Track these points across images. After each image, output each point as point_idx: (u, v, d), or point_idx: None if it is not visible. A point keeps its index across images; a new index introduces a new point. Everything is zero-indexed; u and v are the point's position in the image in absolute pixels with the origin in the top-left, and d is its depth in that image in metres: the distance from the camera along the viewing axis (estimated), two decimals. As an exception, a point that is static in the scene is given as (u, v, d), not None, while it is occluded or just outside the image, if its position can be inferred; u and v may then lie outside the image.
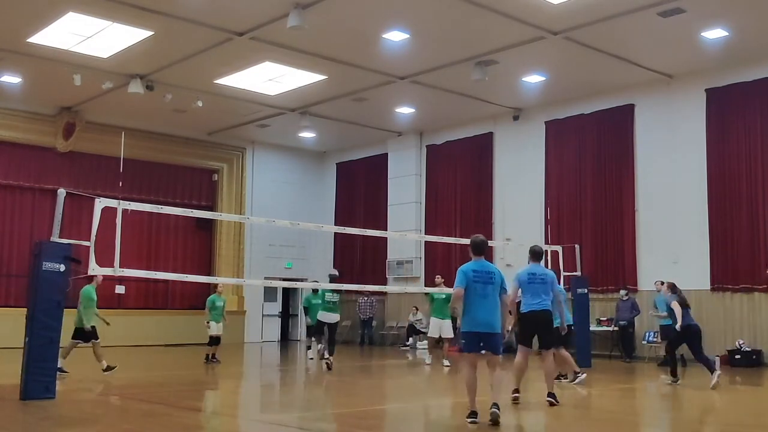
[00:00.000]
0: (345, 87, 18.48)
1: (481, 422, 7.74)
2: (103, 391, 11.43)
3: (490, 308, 7.94)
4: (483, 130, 21.12)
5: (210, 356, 15.50)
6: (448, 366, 14.63)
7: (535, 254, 9.90)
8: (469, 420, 7.82)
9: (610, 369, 15.36)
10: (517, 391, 9.45)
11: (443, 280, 15.93)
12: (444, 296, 15.00)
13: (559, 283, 11.95)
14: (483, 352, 8.01)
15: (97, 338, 13.08)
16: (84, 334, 12.95)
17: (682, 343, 12.45)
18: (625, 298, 17.09)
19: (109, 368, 12.92)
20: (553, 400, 9.28)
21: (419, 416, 9.65)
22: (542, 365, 9.67)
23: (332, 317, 14.43)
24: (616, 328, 17.45)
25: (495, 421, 7.65)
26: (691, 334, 12.04)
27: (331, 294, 14.39)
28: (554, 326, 10.05)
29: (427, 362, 15.59)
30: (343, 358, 16.61)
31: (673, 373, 12.16)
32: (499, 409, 7.74)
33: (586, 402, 10.99)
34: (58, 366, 12.34)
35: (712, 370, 11.61)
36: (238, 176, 23.84)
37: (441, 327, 15.18)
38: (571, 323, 12.52)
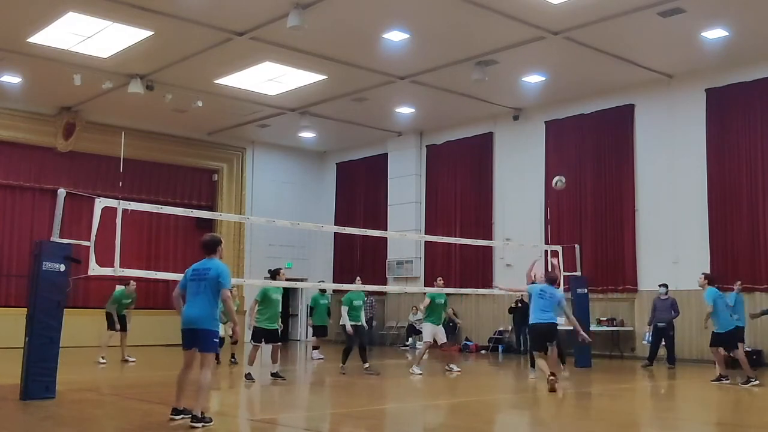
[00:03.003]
0: (345, 87, 18.48)
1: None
2: (103, 391, 11.43)
3: (199, 305, 7.79)
4: (483, 130, 21.13)
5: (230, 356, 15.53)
6: (458, 371, 14.18)
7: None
8: (171, 416, 7.78)
9: (610, 369, 15.38)
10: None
11: (444, 282, 15.23)
12: (443, 300, 14.35)
13: (557, 285, 12.31)
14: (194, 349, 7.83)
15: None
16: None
17: None
18: (664, 296, 15.54)
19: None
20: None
21: (419, 416, 9.65)
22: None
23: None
24: (616, 329, 17.45)
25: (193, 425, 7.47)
26: None
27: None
28: None
29: (417, 372, 13.84)
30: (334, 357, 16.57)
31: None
32: (194, 420, 7.47)
33: (586, 402, 11.00)
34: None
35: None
36: (238, 176, 23.83)
37: (436, 333, 14.14)
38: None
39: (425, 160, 22.71)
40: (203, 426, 7.46)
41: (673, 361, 15.44)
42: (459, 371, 14.23)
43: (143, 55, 16.12)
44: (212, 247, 8.03)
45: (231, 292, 8.12)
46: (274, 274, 12.51)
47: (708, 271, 16.10)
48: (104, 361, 14.77)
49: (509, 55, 15.91)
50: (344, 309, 13.61)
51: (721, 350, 12.55)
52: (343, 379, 13.02)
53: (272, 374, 12.40)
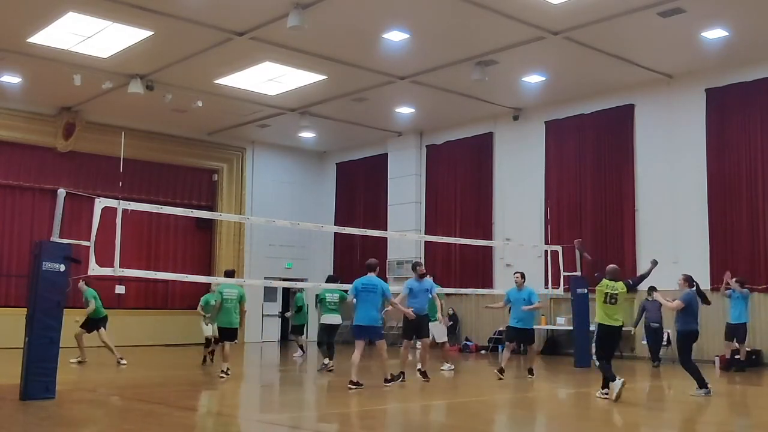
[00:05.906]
0: (345, 87, 18.48)
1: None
2: (103, 391, 11.44)
3: (370, 309, 11.03)
4: (483, 130, 21.13)
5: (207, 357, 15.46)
6: (452, 369, 14.17)
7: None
8: (350, 386, 10.76)
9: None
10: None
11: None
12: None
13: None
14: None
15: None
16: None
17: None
18: (651, 298, 15.54)
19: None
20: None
21: (419, 416, 9.65)
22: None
23: (334, 319, 14.32)
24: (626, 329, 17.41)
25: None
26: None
27: (331, 294, 14.28)
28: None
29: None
30: (343, 359, 16.61)
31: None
32: (386, 381, 11.14)
33: (586, 402, 11.00)
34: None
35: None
36: (238, 176, 23.83)
37: (434, 332, 13.61)
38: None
39: (425, 160, 22.71)
40: (392, 383, 11.21)
41: (673, 361, 15.43)
42: (452, 368, 14.22)
43: (143, 55, 16.12)
44: (374, 267, 11.38)
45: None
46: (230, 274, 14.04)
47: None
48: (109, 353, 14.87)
49: (509, 55, 15.91)
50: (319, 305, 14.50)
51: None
52: (344, 379, 13.02)
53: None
